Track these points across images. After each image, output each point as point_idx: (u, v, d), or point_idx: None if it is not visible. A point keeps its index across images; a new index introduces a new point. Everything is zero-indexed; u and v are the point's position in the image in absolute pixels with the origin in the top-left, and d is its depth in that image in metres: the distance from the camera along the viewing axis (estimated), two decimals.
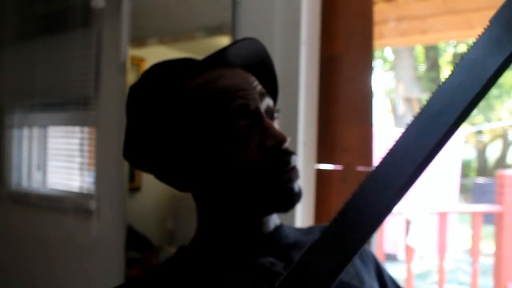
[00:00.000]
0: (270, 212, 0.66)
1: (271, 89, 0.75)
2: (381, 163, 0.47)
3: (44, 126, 2.41)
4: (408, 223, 3.74)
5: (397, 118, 8.58)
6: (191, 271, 0.65)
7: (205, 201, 0.68)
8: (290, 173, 0.63)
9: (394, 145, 0.46)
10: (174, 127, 0.66)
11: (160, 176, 0.69)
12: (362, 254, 0.75)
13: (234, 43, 0.69)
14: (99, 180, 1.97)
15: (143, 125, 0.68)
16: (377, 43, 3.18)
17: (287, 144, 0.63)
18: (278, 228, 0.70)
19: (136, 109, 0.69)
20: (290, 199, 0.63)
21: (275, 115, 0.67)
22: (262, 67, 0.73)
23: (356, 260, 0.72)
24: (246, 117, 0.63)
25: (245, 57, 0.70)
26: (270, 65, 0.74)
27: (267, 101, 0.66)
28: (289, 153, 0.63)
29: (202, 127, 0.64)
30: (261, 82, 0.70)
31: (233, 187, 0.63)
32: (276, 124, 0.67)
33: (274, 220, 0.70)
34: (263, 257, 0.65)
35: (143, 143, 0.69)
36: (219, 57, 0.67)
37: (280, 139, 0.62)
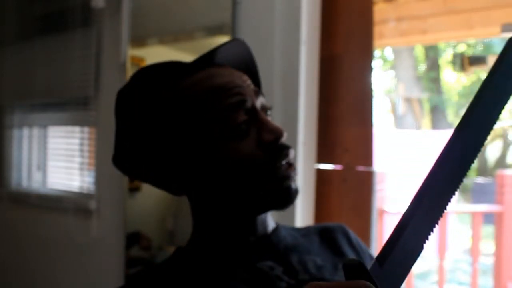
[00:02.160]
0: (267, 209, 0.66)
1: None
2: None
3: (44, 126, 2.41)
4: None
5: (397, 118, 8.57)
6: (189, 273, 0.65)
7: (201, 202, 0.68)
8: (288, 169, 0.63)
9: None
10: (168, 129, 0.66)
11: (153, 181, 0.69)
12: (360, 254, 0.75)
13: (224, 44, 0.69)
14: (99, 180, 1.97)
15: (134, 129, 0.68)
16: (377, 43, 3.18)
17: (284, 138, 0.64)
18: (275, 230, 0.70)
19: (126, 113, 0.69)
20: (287, 196, 0.63)
21: (268, 112, 0.68)
22: (247, 68, 0.74)
23: None
24: (243, 112, 0.64)
25: (231, 58, 0.71)
26: (254, 67, 0.75)
27: (261, 99, 0.67)
28: (287, 147, 0.64)
29: (198, 125, 0.64)
30: None
31: (231, 183, 0.63)
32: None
33: (271, 222, 0.70)
34: (262, 261, 0.65)
35: (135, 148, 0.68)
36: (209, 58, 0.68)
37: (278, 134, 0.63)
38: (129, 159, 0.69)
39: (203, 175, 0.64)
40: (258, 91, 0.67)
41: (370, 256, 0.76)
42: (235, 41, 0.72)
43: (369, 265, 0.42)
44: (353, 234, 0.78)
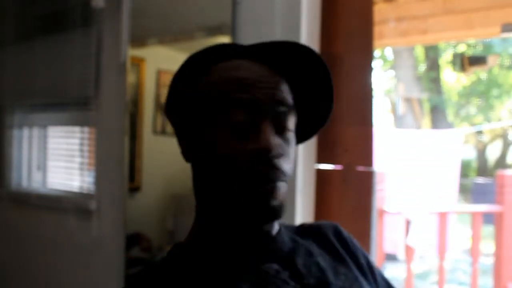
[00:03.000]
0: (245, 220, 0.64)
1: (322, 108, 0.71)
2: None
3: (44, 126, 2.41)
4: (408, 223, 3.73)
5: (397, 118, 8.57)
6: (193, 273, 0.64)
7: (199, 187, 0.68)
8: (267, 185, 0.60)
9: None
10: (193, 103, 0.67)
11: (177, 137, 0.71)
12: (354, 253, 0.74)
13: (282, 42, 0.67)
14: (99, 180, 1.97)
15: (175, 92, 0.70)
16: (377, 43, 3.18)
17: (273, 154, 0.60)
18: (280, 232, 0.69)
19: (177, 77, 0.70)
20: (262, 213, 0.61)
21: (289, 126, 0.64)
22: (288, 74, 0.68)
23: (352, 264, 0.72)
24: (245, 112, 0.62)
25: (276, 60, 0.67)
26: (322, 80, 0.69)
27: (281, 110, 0.63)
28: (272, 165, 0.60)
29: (208, 110, 0.64)
30: (305, 95, 0.68)
31: (216, 178, 0.63)
32: (288, 138, 0.64)
33: (274, 224, 0.69)
34: (268, 263, 0.64)
35: (173, 106, 0.70)
36: (251, 50, 0.67)
37: (264, 146, 0.59)
38: (169, 112, 0.72)
39: (201, 160, 0.66)
40: (281, 101, 0.63)
41: (363, 255, 0.76)
42: (294, 44, 0.67)
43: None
44: (346, 233, 0.77)
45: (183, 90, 0.68)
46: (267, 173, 0.60)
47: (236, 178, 0.61)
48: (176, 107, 0.70)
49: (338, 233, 0.76)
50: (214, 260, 0.65)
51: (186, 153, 0.69)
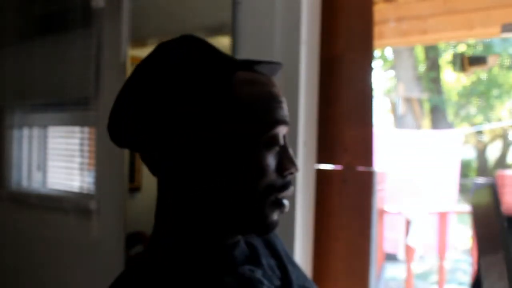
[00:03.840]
0: (242, 230, 0.65)
1: None
2: None
3: (44, 126, 2.41)
4: (408, 223, 3.74)
5: (397, 118, 8.57)
6: (177, 281, 0.62)
7: (185, 198, 0.63)
8: (282, 204, 0.63)
9: None
10: (200, 110, 0.60)
11: (144, 149, 0.64)
12: (290, 257, 0.76)
13: (270, 61, 0.66)
14: (99, 180, 1.97)
15: (161, 91, 0.64)
16: (377, 43, 3.18)
17: (296, 173, 0.64)
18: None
19: (160, 75, 0.65)
20: (265, 227, 0.63)
21: None
22: None
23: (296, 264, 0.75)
24: (280, 132, 0.63)
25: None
26: None
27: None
28: (291, 184, 0.64)
29: (240, 121, 0.60)
30: None
31: (237, 189, 0.60)
32: None
33: None
34: (240, 266, 0.64)
35: (146, 108, 0.65)
36: (257, 65, 0.64)
37: (295, 168, 0.63)
38: (130, 116, 0.67)
39: (213, 169, 0.60)
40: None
41: (295, 261, 0.78)
42: (277, 64, 0.67)
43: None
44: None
45: (197, 97, 0.61)
46: (290, 189, 0.63)
47: (265, 191, 0.61)
48: (158, 116, 0.62)
49: (275, 234, 0.77)
50: (193, 268, 0.63)
51: (170, 171, 0.62)
